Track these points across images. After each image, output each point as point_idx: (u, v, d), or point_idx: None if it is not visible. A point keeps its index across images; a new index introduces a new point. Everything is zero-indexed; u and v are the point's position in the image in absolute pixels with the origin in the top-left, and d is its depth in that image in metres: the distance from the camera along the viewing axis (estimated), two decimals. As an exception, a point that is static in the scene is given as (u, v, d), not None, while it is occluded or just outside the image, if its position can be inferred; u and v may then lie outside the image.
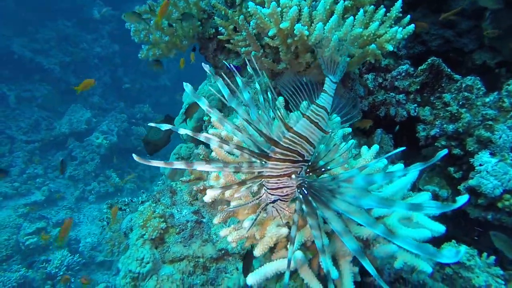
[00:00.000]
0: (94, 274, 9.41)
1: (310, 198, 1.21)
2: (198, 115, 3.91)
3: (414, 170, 0.96)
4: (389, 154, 1.18)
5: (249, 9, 1.93)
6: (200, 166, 1.28)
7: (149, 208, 2.80)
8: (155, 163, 1.22)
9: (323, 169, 1.34)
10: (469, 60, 3.34)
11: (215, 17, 2.61)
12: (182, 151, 3.68)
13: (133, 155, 1.27)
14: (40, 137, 13.30)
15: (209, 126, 3.29)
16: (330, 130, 1.38)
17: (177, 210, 2.86)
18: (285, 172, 1.26)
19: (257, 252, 1.45)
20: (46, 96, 14.30)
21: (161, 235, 2.70)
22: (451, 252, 0.84)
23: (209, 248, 2.57)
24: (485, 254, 2.16)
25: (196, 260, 2.58)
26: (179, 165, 1.26)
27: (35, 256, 9.21)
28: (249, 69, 1.44)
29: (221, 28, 2.61)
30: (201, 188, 2.04)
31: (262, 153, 1.28)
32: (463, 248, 0.72)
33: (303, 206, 1.20)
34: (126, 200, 4.63)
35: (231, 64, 1.50)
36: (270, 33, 1.98)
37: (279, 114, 1.31)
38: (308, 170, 1.35)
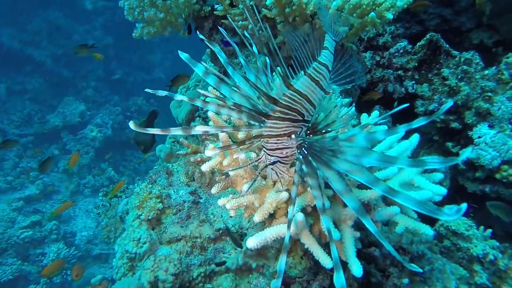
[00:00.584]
0: (90, 267, 9.38)
1: (310, 158, 1.18)
2: (195, 97, 3.86)
3: (417, 123, 0.94)
4: (392, 111, 1.15)
5: (245, -23, 1.88)
6: (198, 128, 1.24)
7: (145, 189, 2.76)
8: (152, 130, 1.19)
9: (323, 131, 1.31)
10: (466, 40, 3.32)
11: (212, -5, 2.56)
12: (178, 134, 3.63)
13: (130, 123, 1.24)
14: (33, 131, 13.13)
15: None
16: (331, 91, 1.35)
17: (174, 191, 2.83)
18: (285, 132, 1.22)
19: (256, 218, 1.42)
20: (37, 89, 14.08)
21: (157, 216, 2.66)
22: (452, 210, 0.82)
23: (207, 228, 2.55)
24: (482, 227, 2.17)
25: (194, 240, 2.55)
26: (176, 131, 1.22)
27: (30, 250, 9.15)
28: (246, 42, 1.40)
29: (218, 5, 2.55)
30: (198, 159, 2.01)
31: (261, 112, 1.24)
32: (464, 205, 0.71)
33: (303, 167, 1.17)
34: (122, 187, 4.59)
35: (225, 32, 1.46)
36: (267, 2, 1.94)
37: (280, 71, 1.27)
38: (308, 131, 1.32)
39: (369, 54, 2.88)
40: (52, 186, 11.78)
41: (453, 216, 0.82)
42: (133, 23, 3.04)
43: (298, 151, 1.23)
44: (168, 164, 3.06)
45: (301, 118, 1.26)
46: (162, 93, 1.38)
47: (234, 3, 2.38)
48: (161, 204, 2.67)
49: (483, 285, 1.79)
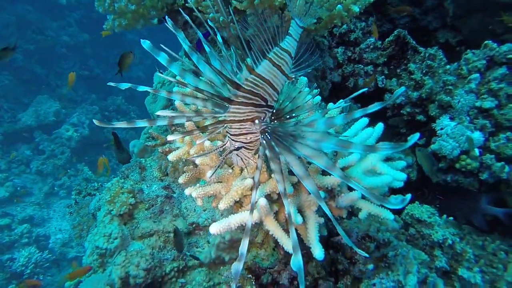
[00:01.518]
0: (65, 270, 9.07)
1: (273, 143, 1.20)
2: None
3: (372, 108, 0.97)
4: (353, 95, 1.18)
5: (214, -33, 1.88)
6: (162, 120, 1.25)
7: (117, 184, 2.70)
8: (118, 124, 1.18)
9: (287, 117, 1.33)
10: (433, 39, 3.46)
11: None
12: (153, 129, 3.58)
13: (94, 120, 1.23)
14: (3, 130, 12.56)
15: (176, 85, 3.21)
16: (293, 76, 1.37)
17: (147, 186, 2.79)
18: (248, 117, 1.23)
19: (222, 205, 1.42)
20: (7, 86, 13.47)
21: (130, 211, 2.62)
22: (398, 199, 0.87)
23: (180, 223, 2.52)
24: (444, 215, 2.27)
25: (167, 235, 2.52)
26: (141, 122, 1.22)
27: (-3, 255, 8.75)
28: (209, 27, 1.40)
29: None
30: (167, 150, 1.99)
31: (224, 97, 1.25)
32: (409, 195, 0.76)
33: (266, 151, 1.19)
34: (96, 185, 4.47)
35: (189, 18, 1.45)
36: (236, -6, 1.94)
37: (241, 55, 1.28)
38: (273, 117, 1.33)
39: (341, 49, 2.94)
40: (24, 188, 11.32)
41: (398, 205, 0.86)
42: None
43: (262, 136, 1.24)
44: (141, 159, 3.01)
45: (264, 103, 1.27)
46: (125, 85, 1.37)
47: (205, -4, 2.38)
48: (133, 199, 2.62)
49: (442, 268, 1.88)
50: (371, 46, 2.81)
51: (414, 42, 2.76)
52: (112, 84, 1.44)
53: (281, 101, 1.36)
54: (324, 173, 1.50)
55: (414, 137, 0.86)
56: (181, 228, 2.49)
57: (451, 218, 2.22)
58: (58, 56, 14.96)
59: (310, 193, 1.48)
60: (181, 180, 1.64)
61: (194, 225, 2.46)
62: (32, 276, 8.07)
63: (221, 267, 2.31)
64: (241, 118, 1.23)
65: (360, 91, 1.20)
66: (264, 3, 1.95)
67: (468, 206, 2.48)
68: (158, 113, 1.21)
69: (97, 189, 4.40)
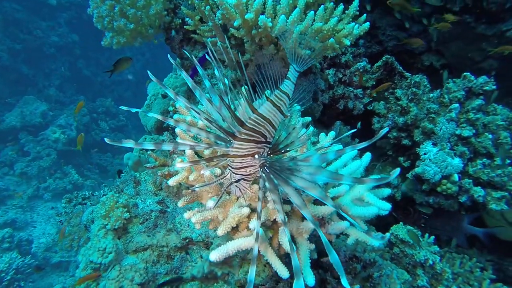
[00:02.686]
0: (48, 276, 8.90)
1: (271, 176, 1.30)
2: (163, 106, 3.88)
3: (361, 145, 1.09)
4: (343, 135, 1.31)
5: (215, 0, 1.98)
6: (169, 145, 1.33)
7: (111, 198, 2.74)
8: (126, 142, 1.25)
9: (283, 151, 1.43)
10: (419, 61, 3.64)
11: (182, 7, 2.62)
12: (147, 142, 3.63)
13: (105, 138, 1.31)
14: (-14, 130, 12.25)
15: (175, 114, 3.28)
16: (288, 114, 1.48)
17: (141, 200, 2.83)
18: (249, 152, 1.33)
19: (220, 232, 1.51)
20: (-8, 85, 13.17)
21: (124, 225, 2.66)
22: (379, 236, 0.99)
23: (174, 237, 2.57)
24: (426, 234, 2.41)
25: (160, 249, 2.57)
26: (148, 145, 1.30)
27: (-25, 261, 8.49)
28: (210, 59, 1.49)
29: (188, 18, 2.62)
30: (166, 173, 2.06)
31: (228, 132, 1.34)
32: (388, 234, 0.88)
33: (266, 183, 1.29)
34: (87, 193, 4.47)
35: (192, 56, 1.55)
36: (235, 24, 2.05)
37: (245, 96, 1.38)
38: (269, 152, 1.43)
39: (332, 71, 3.07)
40: (6, 190, 11.07)
41: (379, 240, 0.98)
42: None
43: (261, 169, 1.34)
44: (136, 173, 3.06)
45: (264, 140, 1.38)
46: (135, 110, 1.45)
47: (204, 20, 2.47)
48: (128, 213, 2.67)
49: (423, 287, 2.01)
50: (361, 70, 2.96)
51: (400, 67, 2.91)
52: (124, 108, 1.51)
53: (277, 137, 1.46)
54: (316, 202, 1.60)
55: (396, 172, 0.97)
56: (175, 243, 2.55)
57: (432, 237, 2.36)
58: (46, 56, 14.72)
59: (302, 221, 1.58)
60: (180, 203, 1.71)
61: (187, 240, 2.51)
62: (12, 283, 7.87)
63: (214, 283, 2.38)
64: (243, 153, 1.33)
65: (348, 133, 1.31)
66: (261, 33, 2.05)
67: (451, 226, 2.65)
68: (168, 144, 1.30)
69: (88, 198, 4.41)
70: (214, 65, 1.49)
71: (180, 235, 2.52)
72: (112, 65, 3.70)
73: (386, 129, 1.07)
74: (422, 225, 2.71)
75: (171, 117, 3.39)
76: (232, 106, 1.51)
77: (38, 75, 14.53)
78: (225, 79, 1.49)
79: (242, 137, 1.34)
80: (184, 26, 2.65)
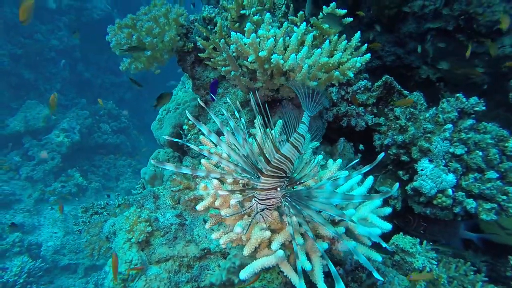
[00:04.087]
0: (58, 278, 9.14)
1: (294, 203, 1.54)
2: (175, 121, 4.09)
3: (364, 169, 1.36)
4: (350, 164, 1.56)
5: (231, 38, 2.20)
6: (203, 172, 1.58)
7: (134, 213, 2.97)
8: (168, 166, 1.49)
9: (298, 183, 1.67)
10: (416, 75, 3.87)
11: (195, 36, 2.82)
12: (161, 156, 3.85)
13: (151, 160, 1.56)
14: (-9, 136, 12.40)
15: (191, 135, 3.49)
16: (303, 151, 1.72)
17: (161, 214, 3.06)
18: (273, 186, 1.58)
19: (246, 252, 1.74)
20: (-5, 91, 13.27)
21: (147, 238, 2.89)
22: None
23: (192, 248, 2.80)
24: (425, 241, 2.66)
25: (181, 259, 2.79)
26: (186, 170, 1.54)
27: (-12, 266, 8.70)
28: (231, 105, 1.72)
29: (201, 45, 2.83)
30: (192, 197, 2.28)
31: (258, 169, 1.59)
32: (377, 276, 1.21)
33: (291, 210, 1.53)
34: (102, 203, 4.68)
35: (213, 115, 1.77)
36: (249, 59, 2.26)
37: (271, 138, 1.62)
38: (287, 184, 1.67)
39: (335, 89, 3.29)
40: (13, 195, 11.27)
41: (381, 257, 1.23)
42: (100, 25, 3.17)
43: (283, 199, 1.59)
44: (154, 188, 3.29)
45: (284, 175, 1.62)
46: (169, 167, 1.64)
47: (217, 49, 2.68)
48: (150, 227, 2.90)
49: (421, 293, 2.26)
50: (362, 88, 3.18)
51: (399, 86, 3.14)
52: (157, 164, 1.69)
53: (293, 171, 1.70)
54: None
55: (396, 186, 1.30)
56: (194, 253, 2.78)
57: (430, 243, 2.61)
58: (47, 60, 14.83)
59: (314, 241, 1.81)
60: (207, 226, 1.95)
61: (205, 251, 2.74)
62: (25, 286, 8.11)
63: (231, 290, 2.60)
64: (269, 187, 1.57)
65: (354, 162, 1.56)
66: (272, 68, 2.27)
67: (448, 232, 2.91)
68: (202, 174, 1.54)
69: (104, 208, 4.63)
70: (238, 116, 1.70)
71: (199, 246, 2.75)
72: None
73: (382, 154, 1.34)
74: (422, 231, 2.96)
75: (186, 135, 3.61)
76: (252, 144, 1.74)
77: (39, 79, 14.65)
78: (242, 119, 1.73)
79: (268, 173, 1.58)
80: (199, 54, 2.86)
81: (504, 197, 2.53)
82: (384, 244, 1.36)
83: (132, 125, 16.40)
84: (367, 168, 1.35)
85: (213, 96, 2.77)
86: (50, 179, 12.15)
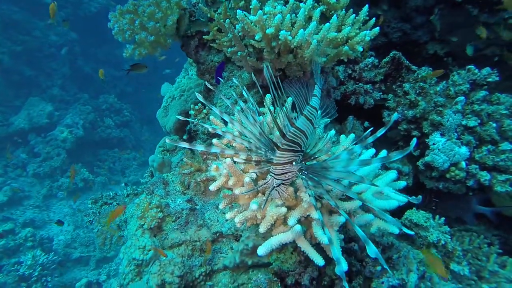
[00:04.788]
0: (70, 271, 9.33)
1: (311, 175, 1.52)
2: (181, 108, 4.06)
3: (379, 133, 1.30)
4: (364, 134, 1.51)
5: (237, 16, 2.14)
6: (217, 149, 1.57)
7: (145, 200, 2.98)
8: (183, 144, 1.48)
9: (312, 158, 1.65)
10: (424, 50, 3.79)
11: (200, 19, 2.76)
12: (167, 143, 3.84)
13: (166, 138, 1.55)
14: (-4, 134, 12.48)
15: (198, 120, 3.46)
16: (316, 126, 1.69)
17: (172, 200, 3.07)
18: (289, 160, 1.56)
19: (262, 229, 1.74)
20: (-3, 89, 13.29)
21: (159, 224, 2.90)
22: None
23: (204, 232, 2.81)
24: (437, 216, 2.65)
25: (194, 244, 2.80)
26: (199, 147, 1.53)
27: (4, 260, 8.89)
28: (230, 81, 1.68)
29: (206, 28, 2.77)
30: (204, 178, 2.27)
31: (274, 143, 1.56)
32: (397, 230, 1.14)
33: (309, 182, 1.51)
34: (111, 194, 4.71)
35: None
36: (256, 37, 2.21)
37: (286, 111, 1.59)
38: (302, 159, 1.65)
39: (342, 67, 3.23)
40: (22, 191, 11.41)
41: (397, 228, 1.20)
42: (97, 17, 3.11)
43: (300, 173, 1.56)
44: (163, 175, 3.29)
45: (299, 149, 1.59)
46: (183, 144, 1.63)
47: (222, 30, 2.63)
48: (161, 213, 2.91)
49: (437, 265, 2.26)
50: (369, 65, 3.12)
51: (407, 61, 3.08)
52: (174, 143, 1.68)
53: (307, 147, 1.67)
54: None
55: (413, 142, 1.20)
56: (206, 237, 2.79)
57: (443, 218, 2.60)
58: (46, 56, 14.76)
59: (331, 215, 1.80)
60: (221, 206, 1.94)
61: (218, 234, 2.75)
62: (40, 279, 8.28)
63: (245, 270, 2.61)
64: (284, 161, 1.54)
65: (367, 131, 1.52)
66: (280, 45, 2.22)
67: (460, 207, 2.89)
68: (216, 150, 1.52)
69: (113, 198, 4.66)
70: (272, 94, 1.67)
71: (211, 229, 2.76)
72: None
73: (395, 115, 1.28)
74: (433, 207, 2.94)
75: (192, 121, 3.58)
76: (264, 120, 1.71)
77: (40, 75, 14.62)
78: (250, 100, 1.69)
79: (284, 147, 1.55)
80: (203, 37, 2.81)
81: (518, 168, 2.50)
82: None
83: (135, 118, 16.39)
84: (382, 131, 1.26)
85: (220, 79, 2.73)
86: (57, 174, 12.26)
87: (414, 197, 1.21)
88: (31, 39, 14.16)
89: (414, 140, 1.29)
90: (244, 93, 1.77)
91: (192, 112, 3.22)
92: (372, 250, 1.22)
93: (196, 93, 1.77)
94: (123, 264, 2.89)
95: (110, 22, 3.00)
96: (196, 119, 3.26)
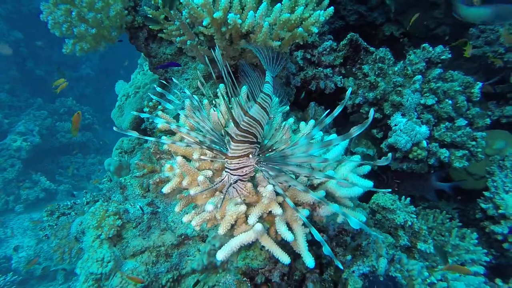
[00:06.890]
0: (35, 289, 8.72)
1: (271, 165, 1.39)
2: (136, 106, 3.80)
3: (337, 111, 1.13)
4: (320, 119, 1.40)
5: (181, 1, 1.95)
6: (168, 140, 1.41)
7: (101, 208, 2.74)
8: (131, 133, 1.32)
9: (270, 150, 1.52)
10: (380, 32, 3.79)
11: (144, 7, 2.53)
12: (124, 145, 3.57)
13: (114, 127, 1.35)
14: None
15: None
16: (272, 115, 1.56)
17: (131, 205, 2.85)
18: (245, 153, 1.41)
19: (221, 230, 1.59)
20: None
21: (118, 232, 2.69)
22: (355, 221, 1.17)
23: (169, 236, 2.64)
24: (403, 197, 2.65)
25: (158, 249, 2.63)
26: (150, 138, 1.36)
27: (-45, 285, 8.11)
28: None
29: (151, 15, 2.54)
30: (157, 180, 2.09)
31: (229, 134, 1.41)
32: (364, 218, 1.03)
33: (270, 173, 1.38)
34: (69, 203, 4.36)
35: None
36: (204, 23, 2.04)
37: (238, 101, 1.44)
38: (258, 152, 1.51)
39: (300, 53, 3.14)
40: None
41: (357, 226, 1.16)
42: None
43: (258, 165, 1.43)
44: (121, 179, 3.04)
45: (255, 140, 1.45)
46: (133, 134, 1.44)
47: (169, 19, 2.42)
48: (120, 220, 2.69)
49: (405, 245, 2.26)
50: (328, 49, 3.04)
51: (365, 43, 3.03)
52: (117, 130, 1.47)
53: (264, 137, 1.54)
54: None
55: (371, 113, 1.01)
56: (171, 241, 2.62)
57: (408, 199, 2.61)
58: (-11, 59, 13.49)
59: (295, 210, 1.70)
60: (177, 209, 1.77)
61: (183, 236, 2.59)
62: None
63: (214, 272, 2.48)
64: (240, 154, 1.40)
65: (324, 114, 1.42)
66: (231, 30, 2.06)
67: (421, 185, 2.93)
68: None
69: (71, 208, 4.32)
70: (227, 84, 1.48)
71: (175, 232, 2.59)
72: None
73: (349, 90, 1.17)
74: (396, 189, 2.97)
75: (147, 119, 3.34)
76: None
77: (-16, 81, 13.37)
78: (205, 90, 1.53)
79: (238, 138, 1.41)
80: (150, 26, 2.58)
81: (473, 142, 2.55)
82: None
83: (97, 121, 15.53)
84: (339, 108, 1.06)
85: (176, 63, 2.52)
86: (12, 187, 11.35)
87: (384, 157, 1.07)
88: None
89: (372, 111, 1.17)
90: (200, 87, 1.61)
91: (146, 109, 2.99)
92: (327, 249, 1.14)
93: (155, 85, 1.58)
94: (80, 281, 2.65)
95: (43, 13, 2.68)
96: (151, 116, 3.03)
